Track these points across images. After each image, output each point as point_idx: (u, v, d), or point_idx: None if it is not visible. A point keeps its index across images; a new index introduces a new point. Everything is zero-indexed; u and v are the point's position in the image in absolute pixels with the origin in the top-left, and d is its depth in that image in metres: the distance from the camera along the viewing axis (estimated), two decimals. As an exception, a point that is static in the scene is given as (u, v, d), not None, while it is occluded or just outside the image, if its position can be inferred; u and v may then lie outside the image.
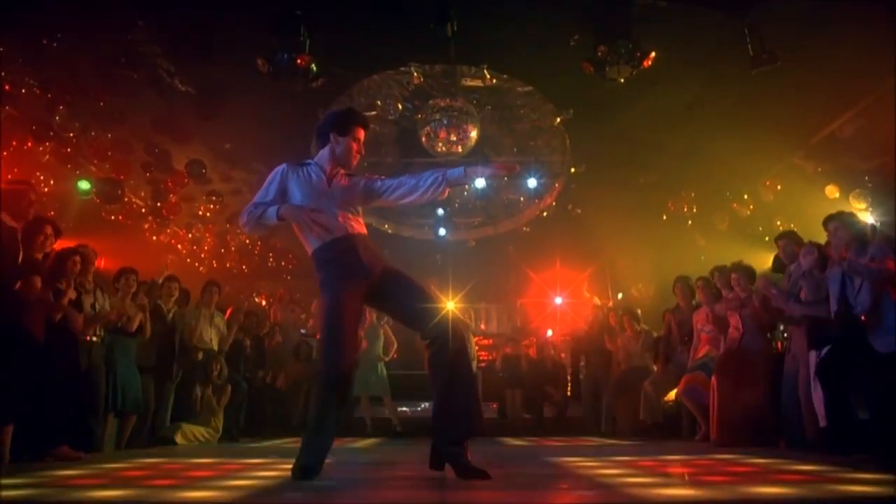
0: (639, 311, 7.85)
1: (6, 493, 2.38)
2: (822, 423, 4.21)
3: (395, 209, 12.47)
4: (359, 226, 3.09)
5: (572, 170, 10.51)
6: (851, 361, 4.05)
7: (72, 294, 4.49)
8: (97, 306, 5.05)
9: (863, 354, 3.96)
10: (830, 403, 4.08)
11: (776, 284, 5.00)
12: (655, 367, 7.04)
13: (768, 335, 5.60)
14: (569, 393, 9.35)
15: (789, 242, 5.18)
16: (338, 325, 2.87)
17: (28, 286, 4.07)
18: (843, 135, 8.20)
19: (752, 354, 5.28)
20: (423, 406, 9.66)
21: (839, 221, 4.30)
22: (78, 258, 4.65)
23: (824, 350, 4.28)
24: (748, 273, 5.52)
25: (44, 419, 4.03)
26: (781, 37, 6.43)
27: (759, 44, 6.40)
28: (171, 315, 6.42)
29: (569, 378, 9.57)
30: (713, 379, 5.41)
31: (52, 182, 9.07)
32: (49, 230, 4.33)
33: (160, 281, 6.67)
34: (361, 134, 3.17)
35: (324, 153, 3.16)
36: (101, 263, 6.10)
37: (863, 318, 4.02)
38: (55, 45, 6.82)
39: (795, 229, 5.76)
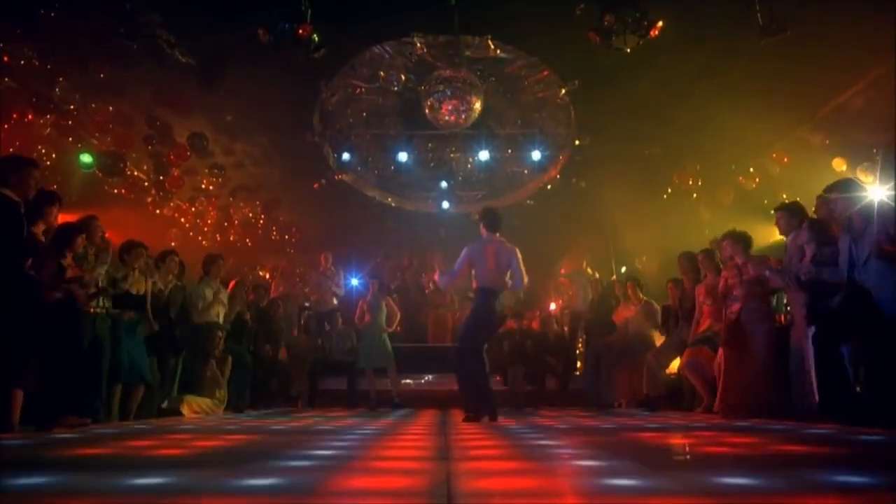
0: (640, 280, 7.85)
1: (14, 462, 2.42)
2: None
3: (399, 182, 12.44)
4: None
5: (576, 142, 10.43)
6: (853, 328, 4.03)
7: (72, 265, 4.51)
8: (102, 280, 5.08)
9: (867, 321, 3.93)
10: (825, 370, 4.08)
11: (770, 265, 5.03)
12: (657, 339, 7.07)
13: (770, 306, 5.58)
14: (578, 366, 9.41)
15: (787, 214, 5.17)
16: None
17: (35, 261, 4.07)
18: (851, 107, 8.10)
19: (753, 326, 5.27)
20: (426, 378, 9.72)
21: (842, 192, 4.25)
22: (83, 236, 4.66)
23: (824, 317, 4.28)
24: (739, 238, 5.49)
25: (51, 389, 4.08)
26: (789, 7, 6.31)
27: (769, 13, 6.30)
28: (169, 288, 6.39)
29: (578, 349, 9.61)
30: (720, 351, 5.42)
31: (53, 155, 9.04)
32: (55, 203, 4.33)
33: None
34: None
35: None
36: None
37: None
38: (52, 14, 6.74)
39: (802, 203, 5.72)
